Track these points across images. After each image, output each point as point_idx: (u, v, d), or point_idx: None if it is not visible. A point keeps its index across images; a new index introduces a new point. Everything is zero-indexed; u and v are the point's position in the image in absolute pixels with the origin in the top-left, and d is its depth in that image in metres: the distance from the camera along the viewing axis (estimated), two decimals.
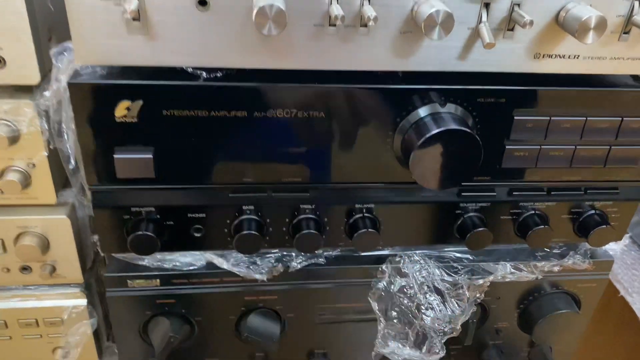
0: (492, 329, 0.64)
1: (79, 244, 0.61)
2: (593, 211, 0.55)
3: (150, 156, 0.46)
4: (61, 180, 0.59)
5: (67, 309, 0.64)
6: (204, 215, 0.51)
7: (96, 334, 0.69)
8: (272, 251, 0.56)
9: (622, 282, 0.88)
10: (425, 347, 0.57)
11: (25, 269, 0.61)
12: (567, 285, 0.61)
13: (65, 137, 0.49)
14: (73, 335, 0.65)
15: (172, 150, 0.46)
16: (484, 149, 0.46)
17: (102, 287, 0.71)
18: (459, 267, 0.58)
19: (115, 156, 0.46)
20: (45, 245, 0.59)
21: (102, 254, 0.55)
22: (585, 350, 0.98)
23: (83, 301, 0.64)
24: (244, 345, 0.61)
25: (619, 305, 0.89)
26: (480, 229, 0.52)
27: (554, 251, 0.60)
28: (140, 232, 0.49)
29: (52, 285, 0.64)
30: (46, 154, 0.51)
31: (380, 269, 0.57)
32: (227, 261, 0.54)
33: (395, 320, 0.57)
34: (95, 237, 0.55)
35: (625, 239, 0.60)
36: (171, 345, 0.56)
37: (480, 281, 0.56)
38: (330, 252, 0.57)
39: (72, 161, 0.49)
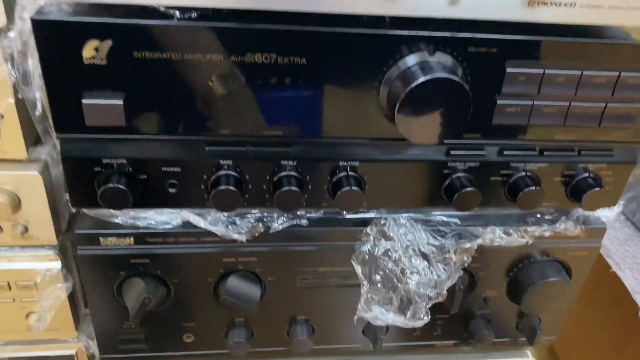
0: (479, 298, 0.62)
1: (53, 204, 0.59)
2: (587, 174, 0.53)
3: (121, 102, 0.43)
4: (32, 136, 0.56)
5: (40, 272, 0.62)
6: (179, 169, 0.48)
7: (72, 300, 0.67)
8: (252, 211, 0.54)
9: (614, 258, 0.87)
10: (409, 312, 0.55)
11: None
12: (558, 253, 0.59)
13: (32, 82, 0.46)
14: (46, 299, 0.63)
15: (143, 96, 0.44)
16: (474, 104, 0.44)
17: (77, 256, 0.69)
18: (446, 230, 0.55)
19: (84, 101, 0.43)
20: (16, 204, 0.57)
21: (74, 211, 0.53)
22: (576, 326, 0.97)
23: (57, 264, 0.62)
24: (223, 310, 0.58)
25: (610, 281, 0.87)
26: (468, 188, 0.50)
27: (545, 217, 0.58)
28: (111, 185, 0.46)
29: (25, 246, 0.62)
30: (13, 100, 0.49)
31: (364, 231, 0.55)
32: (205, 220, 0.51)
33: (379, 285, 0.55)
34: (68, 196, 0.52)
35: (619, 206, 0.58)
36: (146, 307, 0.53)
37: (468, 245, 0.54)
38: (313, 214, 0.55)
39: (39, 108, 0.46)
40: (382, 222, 0.55)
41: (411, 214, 0.56)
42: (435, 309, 0.59)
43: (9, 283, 0.63)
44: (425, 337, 0.65)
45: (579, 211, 0.59)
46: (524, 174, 0.52)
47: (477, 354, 0.70)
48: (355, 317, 0.56)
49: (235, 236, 0.51)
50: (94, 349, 0.71)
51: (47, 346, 0.71)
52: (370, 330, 0.63)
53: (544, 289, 0.59)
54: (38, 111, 0.47)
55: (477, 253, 0.57)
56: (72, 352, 0.72)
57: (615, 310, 0.86)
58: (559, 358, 1.06)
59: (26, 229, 0.59)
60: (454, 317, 0.64)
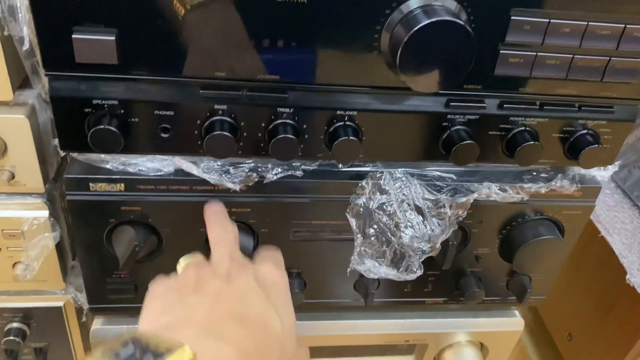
0: (471, 255, 0.62)
1: (40, 150, 0.57)
2: (585, 131, 0.53)
3: (113, 38, 0.42)
4: (19, 78, 0.54)
5: (27, 220, 0.61)
6: (172, 113, 0.47)
7: (60, 251, 0.66)
8: (247, 161, 0.53)
9: (603, 223, 0.87)
10: (402, 266, 0.55)
11: None
12: (552, 212, 0.59)
13: (19, 17, 0.44)
14: (33, 248, 0.62)
15: (137, 32, 0.42)
16: (477, 53, 0.43)
17: (65, 202, 0.67)
18: (442, 185, 0.55)
19: (74, 36, 0.41)
20: (2, 148, 0.55)
21: (62, 154, 0.51)
22: (561, 290, 0.98)
23: (44, 213, 0.61)
24: None
25: (598, 245, 0.88)
26: (467, 141, 0.49)
27: (541, 175, 0.58)
28: (102, 126, 0.45)
29: (12, 194, 0.61)
30: None
31: (360, 184, 0.54)
32: (198, 167, 0.50)
33: (372, 238, 0.55)
34: (57, 141, 0.51)
35: (615, 166, 0.58)
36: (136, 255, 0.53)
37: (464, 199, 0.53)
38: (308, 166, 0.54)
39: (27, 43, 0.44)
40: (378, 175, 0.54)
41: (407, 169, 0.55)
42: (427, 266, 0.59)
43: None
44: (415, 294, 0.65)
45: (575, 170, 0.58)
46: (523, 128, 0.52)
47: (465, 312, 0.70)
48: (348, 270, 0.55)
49: (229, 185, 0.50)
50: (82, 301, 0.70)
51: (35, 297, 0.70)
52: (361, 286, 0.63)
53: (537, 247, 0.59)
54: (26, 46, 0.45)
55: (471, 209, 0.56)
56: (59, 304, 0.71)
57: (601, 274, 0.88)
58: (542, 320, 1.08)
59: (12, 176, 0.57)
60: (445, 274, 0.64)
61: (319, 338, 0.68)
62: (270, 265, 0.43)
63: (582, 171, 0.58)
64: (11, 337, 0.71)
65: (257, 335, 0.36)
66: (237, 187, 0.51)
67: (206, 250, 0.56)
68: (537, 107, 0.51)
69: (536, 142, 0.51)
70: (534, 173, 0.58)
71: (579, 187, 0.57)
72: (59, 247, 0.66)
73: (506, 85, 0.49)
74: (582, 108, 0.52)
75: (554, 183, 0.56)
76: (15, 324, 0.72)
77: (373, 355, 0.74)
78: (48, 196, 0.61)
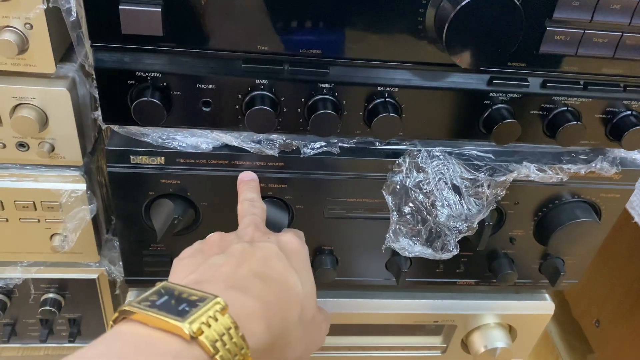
0: (506, 236, 0.62)
1: (79, 123, 0.58)
2: (629, 112, 0.52)
3: (159, 9, 0.42)
4: (61, 50, 0.55)
5: (65, 192, 0.62)
6: (214, 86, 0.47)
7: (96, 226, 0.67)
8: (285, 139, 0.53)
9: (637, 209, 0.86)
10: (438, 245, 0.54)
11: (22, 145, 0.58)
12: (590, 195, 0.58)
13: None
14: (71, 220, 0.63)
15: (181, 4, 0.42)
16: (523, 30, 0.42)
17: (102, 177, 0.68)
18: (480, 164, 0.54)
19: (121, 7, 0.41)
20: (43, 120, 0.56)
21: (104, 127, 0.52)
22: (590, 276, 0.97)
23: (82, 185, 0.62)
24: None
25: (630, 232, 0.87)
26: (509, 120, 0.49)
27: (580, 157, 0.57)
28: (145, 99, 0.45)
29: (51, 166, 0.62)
30: (44, 6, 0.47)
31: (397, 162, 0.54)
32: (237, 139, 0.50)
33: (408, 217, 0.54)
34: (97, 114, 0.51)
35: None
36: (174, 228, 0.53)
37: (502, 178, 0.53)
38: (346, 143, 0.54)
39: (74, 13, 0.45)
40: (415, 153, 0.54)
41: (445, 148, 0.55)
42: (460, 247, 0.59)
43: (34, 203, 0.63)
44: (447, 275, 0.65)
45: (615, 152, 0.57)
46: (565, 108, 0.51)
47: (495, 295, 0.70)
48: (383, 247, 0.55)
49: (268, 151, 0.50)
50: (116, 274, 0.72)
51: (70, 269, 0.72)
52: (393, 265, 0.63)
53: (573, 230, 0.58)
54: (73, 17, 0.45)
55: (508, 190, 0.56)
56: (94, 276, 0.72)
57: (633, 261, 0.86)
58: (568, 306, 1.07)
59: (52, 148, 0.58)
60: (478, 256, 0.63)
61: (348, 316, 0.68)
62: (292, 236, 0.45)
63: (623, 153, 0.57)
64: (47, 307, 0.73)
65: (278, 292, 0.38)
66: (276, 152, 0.51)
67: None
68: (581, 86, 0.50)
69: (578, 123, 0.50)
70: (573, 154, 0.57)
71: (619, 169, 0.56)
72: (94, 220, 0.67)
73: (550, 64, 0.48)
74: (627, 88, 0.51)
75: (594, 165, 0.55)
76: (51, 295, 0.74)
77: (401, 335, 0.74)
78: (85, 169, 0.62)
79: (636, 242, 0.84)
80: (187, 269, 0.40)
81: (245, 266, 0.38)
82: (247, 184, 0.51)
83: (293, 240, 0.44)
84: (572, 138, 0.51)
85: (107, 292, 0.75)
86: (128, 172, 0.52)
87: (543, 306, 0.71)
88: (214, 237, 0.44)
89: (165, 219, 0.53)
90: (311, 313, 0.41)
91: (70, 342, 0.79)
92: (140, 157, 0.51)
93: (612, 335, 0.91)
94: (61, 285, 0.73)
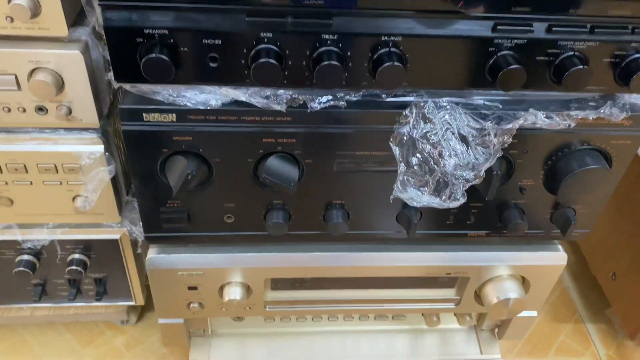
0: (515, 187, 0.62)
1: (94, 86, 0.60)
2: (638, 55, 0.51)
3: None
4: (73, 14, 0.56)
5: (84, 154, 0.64)
6: (219, 41, 0.48)
7: (115, 187, 0.70)
8: (291, 93, 0.54)
9: None
10: (445, 194, 0.55)
11: (41, 109, 0.60)
12: (600, 142, 0.58)
13: None
14: (91, 181, 0.66)
15: None
16: None
17: (119, 140, 0.70)
18: (487, 113, 0.55)
19: None
20: (59, 84, 0.58)
21: (116, 87, 0.53)
22: (607, 230, 0.97)
23: (100, 147, 0.64)
24: (262, 192, 0.60)
25: None
26: (514, 66, 0.49)
27: (589, 103, 0.57)
28: (153, 55, 0.46)
29: (69, 129, 0.64)
30: None
31: (403, 113, 0.54)
32: (244, 94, 0.52)
33: (415, 167, 0.55)
34: (110, 75, 0.53)
35: None
36: (188, 184, 0.55)
37: (509, 125, 0.53)
38: (352, 96, 0.54)
39: None
40: (422, 104, 0.54)
41: (452, 98, 0.55)
42: (470, 198, 0.60)
43: (55, 166, 0.65)
44: (458, 226, 0.66)
45: (625, 98, 0.57)
46: (572, 53, 0.51)
47: (507, 246, 0.71)
48: (391, 197, 0.56)
49: (275, 106, 0.51)
50: (137, 234, 0.74)
51: (93, 230, 0.75)
52: (403, 217, 0.64)
53: (583, 178, 0.58)
54: None
55: (516, 139, 0.56)
56: (116, 236, 0.75)
57: None
58: (585, 262, 1.07)
59: (70, 111, 0.60)
60: (488, 207, 0.64)
61: (362, 269, 0.70)
62: None
63: (633, 99, 0.57)
64: (73, 267, 0.76)
65: None
66: (284, 108, 0.52)
67: (254, 180, 0.58)
68: (588, 30, 0.50)
69: (585, 67, 0.50)
70: (582, 102, 0.57)
71: (629, 114, 0.55)
72: (113, 182, 0.69)
73: (555, 8, 0.48)
74: (636, 30, 0.50)
75: (602, 110, 0.55)
76: (76, 255, 0.77)
77: (414, 288, 0.76)
78: (103, 132, 0.64)
79: None
80: None
81: None
82: None
83: None
84: (579, 83, 0.51)
85: (129, 252, 0.78)
86: (141, 129, 0.54)
87: (555, 257, 0.71)
88: None
89: (179, 175, 0.55)
90: None
91: (97, 300, 0.83)
92: (153, 114, 0.53)
93: (628, 287, 0.91)
94: (86, 246, 0.76)
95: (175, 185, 0.55)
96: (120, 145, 0.71)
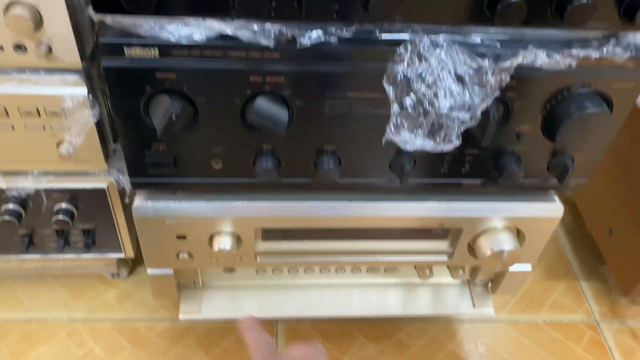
0: (512, 132, 0.60)
1: (75, 22, 0.57)
2: None
3: None
4: None
5: (67, 96, 0.62)
6: None
7: (101, 133, 0.68)
8: (280, 27, 0.51)
9: None
10: (440, 136, 0.53)
11: (19, 47, 0.58)
12: (601, 85, 0.56)
13: None
14: (75, 125, 0.64)
15: None
16: None
17: (104, 83, 0.68)
18: (485, 52, 0.52)
19: None
20: (37, 20, 0.55)
21: (96, 20, 0.51)
22: (604, 187, 0.95)
23: (83, 90, 0.62)
24: (250, 137, 0.58)
25: None
26: None
27: (591, 43, 0.54)
28: None
29: (51, 70, 0.61)
30: None
31: (398, 50, 0.52)
32: (230, 27, 0.49)
33: (409, 109, 0.53)
34: (90, 10, 0.50)
35: None
36: (173, 124, 0.53)
37: (507, 63, 0.51)
38: (344, 32, 0.52)
39: None
40: (418, 41, 0.52)
41: (449, 35, 0.53)
42: (465, 144, 0.58)
43: (37, 109, 0.63)
44: (452, 174, 0.65)
45: (629, 37, 0.54)
46: None
47: (502, 197, 0.69)
48: (384, 139, 0.54)
49: (263, 41, 0.49)
50: (125, 183, 0.73)
51: (80, 178, 0.73)
52: (397, 164, 0.62)
53: (583, 122, 0.56)
54: None
55: (514, 81, 0.54)
56: (103, 185, 0.74)
57: None
58: (581, 220, 1.06)
59: (50, 49, 0.58)
60: (484, 154, 0.62)
61: (353, 219, 0.68)
62: (297, 346, 0.48)
63: (638, 39, 0.54)
64: (60, 217, 0.75)
65: None
66: (271, 44, 0.50)
67: (242, 122, 0.56)
68: None
69: (589, 1, 0.47)
70: (584, 41, 0.54)
71: (633, 54, 0.53)
72: (99, 128, 0.67)
73: None
74: None
75: (605, 49, 0.52)
76: (63, 205, 0.75)
77: (407, 240, 0.74)
78: (86, 73, 0.62)
79: None
80: None
81: None
82: (248, 330, 0.54)
83: (298, 350, 0.48)
84: (582, 18, 0.48)
85: (117, 202, 0.76)
86: (123, 66, 0.51)
87: (552, 208, 0.70)
88: None
89: (163, 116, 0.53)
90: None
91: (86, 252, 0.81)
92: (134, 49, 0.50)
93: (623, 243, 0.90)
94: (73, 196, 0.75)
95: (159, 126, 0.53)
96: (105, 91, 0.68)
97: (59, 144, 0.67)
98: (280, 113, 0.55)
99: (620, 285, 0.92)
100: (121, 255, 0.84)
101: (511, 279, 0.82)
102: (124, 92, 0.53)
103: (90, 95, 0.62)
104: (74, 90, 0.62)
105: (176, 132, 0.56)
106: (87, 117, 0.63)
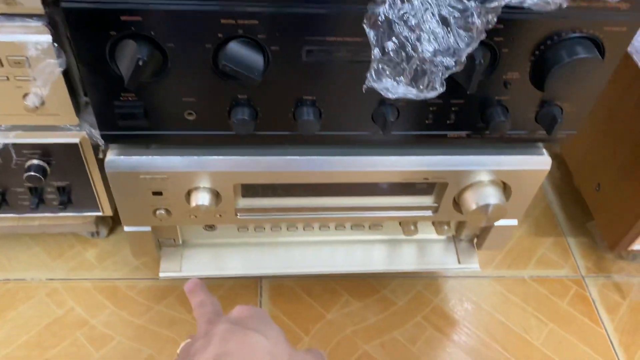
0: (499, 80, 0.58)
1: None
2: None
3: None
4: None
5: (30, 44, 0.58)
6: None
7: (70, 85, 0.65)
8: None
9: None
10: (423, 83, 0.51)
11: None
12: (592, 28, 0.53)
13: None
14: (40, 75, 0.60)
15: None
16: None
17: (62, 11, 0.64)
18: None
19: None
20: None
21: None
22: (596, 140, 0.94)
23: (47, 37, 0.58)
24: (224, 85, 0.55)
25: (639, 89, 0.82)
26: None
27: None
28: None
29: (11, 16, 0.57)
30: None
31: None
32: None
33: (391, 54, 0.50)
34: None
35: None
36: (141, 72, 0.50)
37: (495, 3, 0.48)
38: None
39: None
40: None
41: None
42: (451, 93, 0.56)
43: (0, 59, 0.59)
44: (437, 126, 0.62)
45: None
46: None
47: (489, 150, 0.67)
48: (364, 87, 0.52)
49: None
50: (98, 137, 0.69)
51: (50, 133, 0.70)
52: (379, 115, 0.60)
53: (573, 68, 0.54)
54: None
55: (502, 24, 0.51)
56: (75, 140, 0.71)
57: (639, 120, 0.83)
58: (570, 177, 1.05)
59: None
60: (470, 104, 0.60)
61: (336, 174, 0.66)
62: (239, 306, 0.48)
63: None
64: (32, 173, 0.72)
65: (243, 356, 0.41)
66: None
67: (215, 70, 0.53)
68: None
69: None
70: None
71: None
72: (67, 79, 0.64)
73: None
74: None
75: None
76: (35, 161, 0.73)
77: (391, 195, 0.73)
78: (50, 20, 0.58)
79: None
80: None
81: (208, 354, 0.41)
82: (192, 291, 0.53)
83: (240, 309, 0.47)
84: None
85: (92, 157, 0.74)
86: (84, 7, 0.48)
87: (539, 161, 0.68)
88: (182, 354, 0.46)
89: (130, 62, 0.50)
90: (287, 354, 0.44)
91: (61, 210, 0.79)
92: None
93: (612, 198, 0.89)
94: (44, 151, 0.72)
95: (126, 74, 0.50)
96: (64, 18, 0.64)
97: (25, 96, 0.64)
98: (254, 59, 0.52)
99: (607, 240, 0.92)
100: (99, 214, 0.82)
101: (497, 233, 0.81)
102: (87, 36, 0.50)
103: (56, 43, 0.59)
104: (38, 38, 0.58)
105: (145, 81, 0.53)
106: (53, 67, 0.60)
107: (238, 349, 0.42)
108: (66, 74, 0.63)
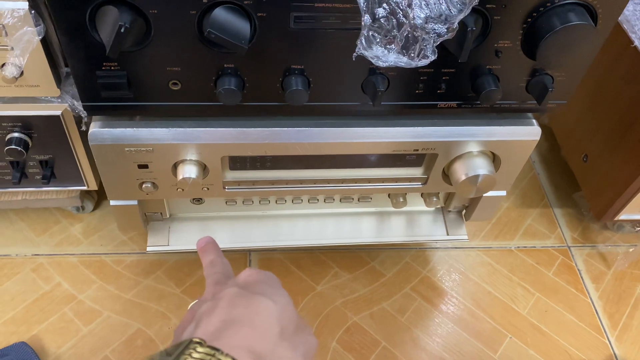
0: (491, 49, 0.57)
1: None
2: None
3: None
4: None
5: (6, 11, 0.56)
6: None
7: (50, 55, 0.62)
8: None
9: (637, 33, 0.80)
10: (414, 51, 0.50)
11: None
12: None
13: None
14: (17, 43, 0.58)
15: None
16: None
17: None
18: None
19: None
20: None
21: None
22: (585, 111, 0.94)
23: (24, 3, 0.56)
24: (210, 54, 0.54)
25: (628, 59, 0.82)
26: None
27: None
28: None
29: None
30: None
31: None
32: None
33: (382, 20, 0.49)
34: None
35: None
36: (123, 39, 0.48)
37: None
38: None
39: None
40: None
41: None
42: (441, 62, 0.55)
43: None
44: (428, 96, 0.61)
45: None
46: None
47: (478, 121, 0.67)
48: (354, 55, 0.50)
49: None
50: (80, 109, 0.68)
51: (31, 106, 0.68)
52: (369, 85, 0.59)
53: (565, 36, 0.53)
54: None
55: None
56: (57, 112, 0.69)
57: (626, 90, 0.82)
58: (558, 148, 1.05)
59: None
60: (461, 73, 0.59)
61: (325, 146, 0.65)
62: (248, 270, 0.47)
63: None
64: (13, 147, 0.70)
65: (252, 321, 0.40)
66: None
67: (200, 38, 0.52)
68: None
69: None
70: None
71: None
72: (47, 49, 0.62)
73: None
74: None
75: None
76: (16, 134, 0.71)
77: (380, 167, 0.72)
78: None
79: (633, 68, 0.80)
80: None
81: (214, 318, 0.40)
82: (204, 249, 0.52)
83: (249, 272, 0.46)
84: None
85: (74, 130, 0.72)
86: None
87: (529, 131, 0.67)
88: (186, 316, 0.45)
89: (111, 29, 0.48)
90: (294, 321, 0.43)
91: (44, 184, 0.77)
92: None
93: (599, 168, 0.90)
94: (25, 124, 0.70)
95: (107, 42, 0.48)
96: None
97: (2, 66, 0.61)
98: (241, 26, 0.50)
99: (593, 210, 0.92)
100: (83, 188, 0.80)
101: (485, 204, 0.81)
102: (65, 2, 0.48)
103: (33, 10, 0.57)
104: (14, 5, 0.56)
105: (127, 49, 0.52)
106: (31, 35, 0.58)
107: (245, 315, 0.40)
108: (45, 43, 0.61)
